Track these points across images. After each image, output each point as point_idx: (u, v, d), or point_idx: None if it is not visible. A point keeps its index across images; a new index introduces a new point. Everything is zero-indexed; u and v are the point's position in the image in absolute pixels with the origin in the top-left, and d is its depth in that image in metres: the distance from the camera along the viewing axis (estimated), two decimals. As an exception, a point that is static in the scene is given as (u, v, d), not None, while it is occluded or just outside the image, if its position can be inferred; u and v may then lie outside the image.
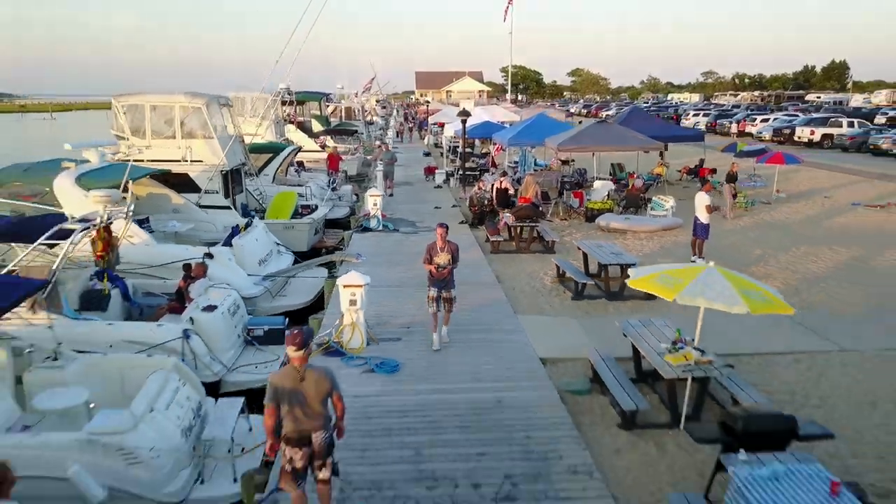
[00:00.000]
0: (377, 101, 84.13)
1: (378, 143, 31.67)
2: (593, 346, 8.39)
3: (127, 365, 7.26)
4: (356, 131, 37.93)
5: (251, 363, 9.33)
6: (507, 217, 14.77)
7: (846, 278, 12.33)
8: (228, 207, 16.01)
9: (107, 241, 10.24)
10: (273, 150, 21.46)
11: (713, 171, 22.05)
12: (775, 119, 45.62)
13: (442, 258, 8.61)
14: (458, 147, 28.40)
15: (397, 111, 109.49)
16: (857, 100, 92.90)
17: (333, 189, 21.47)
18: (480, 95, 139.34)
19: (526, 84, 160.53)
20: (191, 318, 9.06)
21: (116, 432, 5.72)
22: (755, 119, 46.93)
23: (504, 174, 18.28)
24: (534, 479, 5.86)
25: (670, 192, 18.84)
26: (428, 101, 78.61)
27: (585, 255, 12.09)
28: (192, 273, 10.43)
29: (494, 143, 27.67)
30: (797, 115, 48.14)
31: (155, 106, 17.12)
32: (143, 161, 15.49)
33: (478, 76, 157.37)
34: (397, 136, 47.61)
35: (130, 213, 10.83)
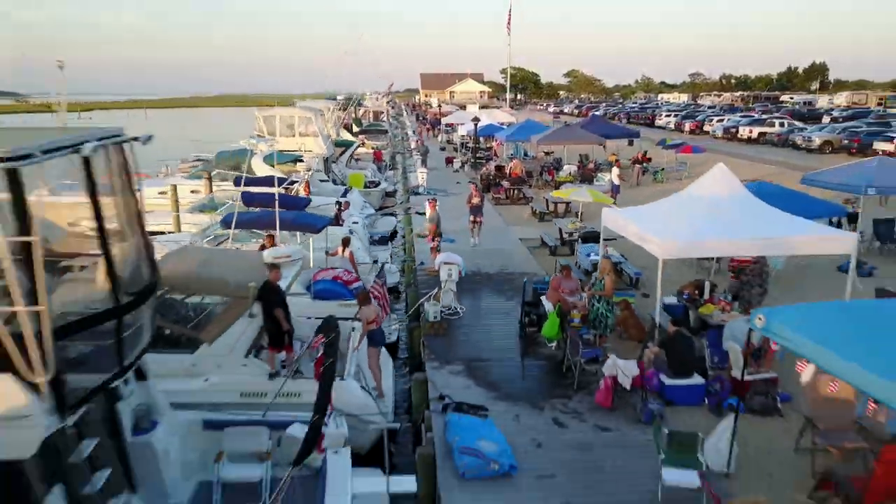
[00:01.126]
0: (387, 102, 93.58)
1: (416, 140, 41.43)
2: (540, 233, 18.08)
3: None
4: (386, 131, 47.79)
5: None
6: (504, 184, 24.53)
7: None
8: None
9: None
10: (345, 145, 31.24)
11: (648, 158, 31.70)
12: (728, 119, 55.26)
13: (475, 200, 18.06)
14: (468, 143, 38.04)
15: (406, 111, 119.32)
16: (822, 101, 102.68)
17: (381, 171, 31.26)
18: (482, 96, 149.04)
19: (524, 84, 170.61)
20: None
21: None
22: (712, 119, 56.69)
23: (516, 159, 28.11)
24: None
25: (622, 174, 28.50)
26: (440, 105, 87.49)
27: (547, 201, 21.79)
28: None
29: (496, 140, 37.27)
30: (752, 116, 57.78)
31: (283, 116, 26.91)
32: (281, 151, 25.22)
33: (479, 77, 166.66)
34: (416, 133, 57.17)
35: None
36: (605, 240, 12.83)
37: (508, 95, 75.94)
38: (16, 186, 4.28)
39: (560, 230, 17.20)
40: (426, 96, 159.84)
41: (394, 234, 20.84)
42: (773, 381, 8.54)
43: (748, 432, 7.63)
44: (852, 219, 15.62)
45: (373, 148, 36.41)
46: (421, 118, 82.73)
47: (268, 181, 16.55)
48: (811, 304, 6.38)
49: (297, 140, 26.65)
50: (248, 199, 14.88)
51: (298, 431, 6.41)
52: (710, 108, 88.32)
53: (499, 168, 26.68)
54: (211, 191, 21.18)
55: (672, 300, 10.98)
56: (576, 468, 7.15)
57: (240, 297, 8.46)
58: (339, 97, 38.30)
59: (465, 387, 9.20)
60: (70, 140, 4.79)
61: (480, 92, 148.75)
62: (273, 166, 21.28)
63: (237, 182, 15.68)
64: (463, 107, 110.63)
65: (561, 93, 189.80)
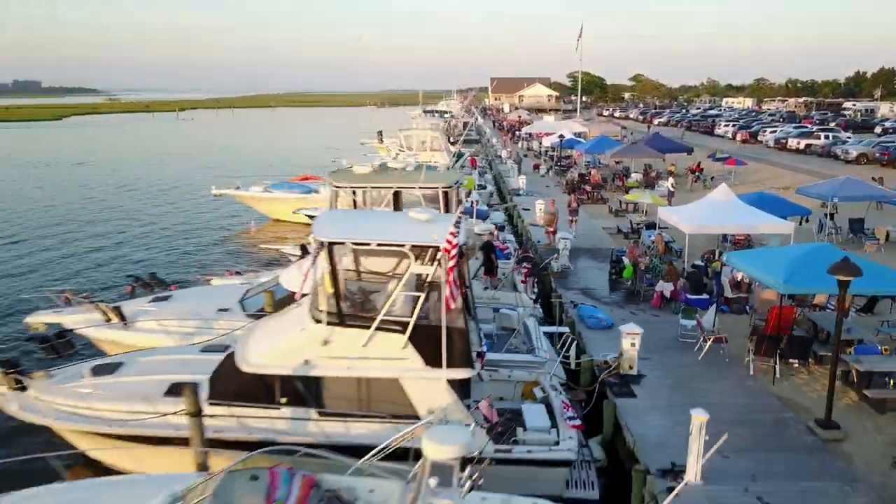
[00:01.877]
0: (464, 108, 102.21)
1: (507, 150, 49.93)
2: (616, 224, 26.23)
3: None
4: (478, 140, 56.43)
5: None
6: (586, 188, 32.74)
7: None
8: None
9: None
10: (458, 156, 39.94)
11: (701, 168, 39.25)
12: (780, 131, 61.58)
13: (574, 204, 26.31)
14: (553, 154, 46.17)
15: (479, 114, 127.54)
16: (884, 108, 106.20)
17: (480, 176, 39.80)
18: (549, 99, 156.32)
19: (590, 88, 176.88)
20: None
21: None
22: (765, 131, 63.14)
23: (593, 168, 36.21)
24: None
25: (679, 181, 36.28)
26: (512, 108, 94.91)
27: (620, 202, 29.87)
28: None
29: (576, 151, 45.32)
30: (804, 127, 63.86)
31: (417, 135, 35.80)
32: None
33: (546, 81, 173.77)
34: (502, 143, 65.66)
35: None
36: (659, 227, 21.01)
37: (580, 106, 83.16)
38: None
39: (630, 222, 25.44)
40: (496, 99, 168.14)
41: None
42: (745, 299, 16.63)
43: (730, 320, 15.74)
44: (832, 217, 23.24)
45: (472, 156, 44.95)
46: (498, 125, 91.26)
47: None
48: (747, 251, 14.56)
49: (428, 154, 35.53)
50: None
51: (506, 312, 14.89)
52: (770, 115, 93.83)
53: (581, 175, 34.92)
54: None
55: (699, 262, 19.08)
56: (643, 325, 15.42)
57: (471, 250, 17.06)
58: (446, 115, 47.13)
59: (581, 302, 17.59)
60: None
61: (548, 96, 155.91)
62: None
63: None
64: (536, 111, 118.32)
65: (626, 94, 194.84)
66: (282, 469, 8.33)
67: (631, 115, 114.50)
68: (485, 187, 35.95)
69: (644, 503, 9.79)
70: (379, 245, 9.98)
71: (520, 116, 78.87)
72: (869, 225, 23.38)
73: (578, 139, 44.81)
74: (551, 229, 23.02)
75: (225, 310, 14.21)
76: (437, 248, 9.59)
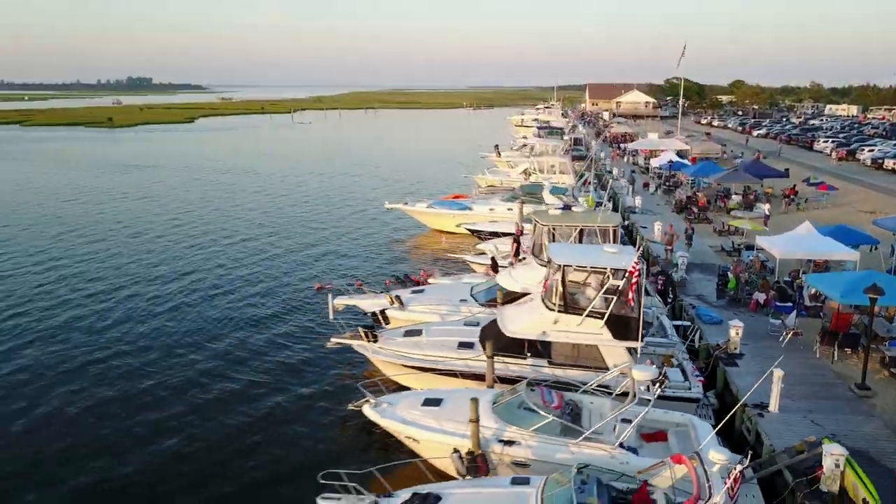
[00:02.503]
0: (562, 115, 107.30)
1: (621, 172, 56.42)
2: (720, 243, 32.64)
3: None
4: (587, 156, 63.02)
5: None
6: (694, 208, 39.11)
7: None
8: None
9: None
10: (580, 175, 46.97)
11: (796, 192, 44.59)
12: (878, 150, 64.96)
13: (689, 231, 32.95)
14: (662, 173, 52.25)
15: (578, 122, 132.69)
16: None
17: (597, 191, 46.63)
18: (646, 106, 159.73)
19: (688, 94, 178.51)
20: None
21: None
22: (863, 149, 66.59)
23: (699, 190, 42.45)
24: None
25: (773, 202, 41.95)
26: (612, 115, 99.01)
27: (723, 223, 36.12)
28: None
29: (682, 173, 51.29)
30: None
31: (548, 161, 43.07)
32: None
33: (643, 87, 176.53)
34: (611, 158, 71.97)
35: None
36: (756, 249, 27.46)
37: (679, 122, 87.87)
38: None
39: (733, 242, 31.88)
40: (593, 104, 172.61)
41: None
42: (819, 307, 23.04)
43: (806, 322, 22.20)
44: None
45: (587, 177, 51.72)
46: (604, 137, 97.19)
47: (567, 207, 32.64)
48: (822, 274, 21.08)
49: (556, 176, 42.74)
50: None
51: (645, 310, 21.99)
52: (873, 128, 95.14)
53: (688, 197, 41.24)
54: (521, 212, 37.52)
55: (786, 278, 25.45)
56: (743, 322, 22.01)
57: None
58: (566, 137, 54.41)
59: (698, 304, 24.38)
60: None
61: (645, 102, 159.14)
62: (558, 197, 37.30)
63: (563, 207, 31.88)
64: (633, 117, 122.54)
65: (723, 98, 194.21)
66: (544, 387, 15.96)
67: (729, 125, 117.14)
68: (603, 205, 42.76)
69: (742, 423, 16.75)
70: (591, 268, 17.40)
71: (626, 134, 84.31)
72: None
73: (684, 161, 50.81)
74: (670, 247, 29.79)
75: (463, 300, 22.04)
76: (625, 271, 16.90)
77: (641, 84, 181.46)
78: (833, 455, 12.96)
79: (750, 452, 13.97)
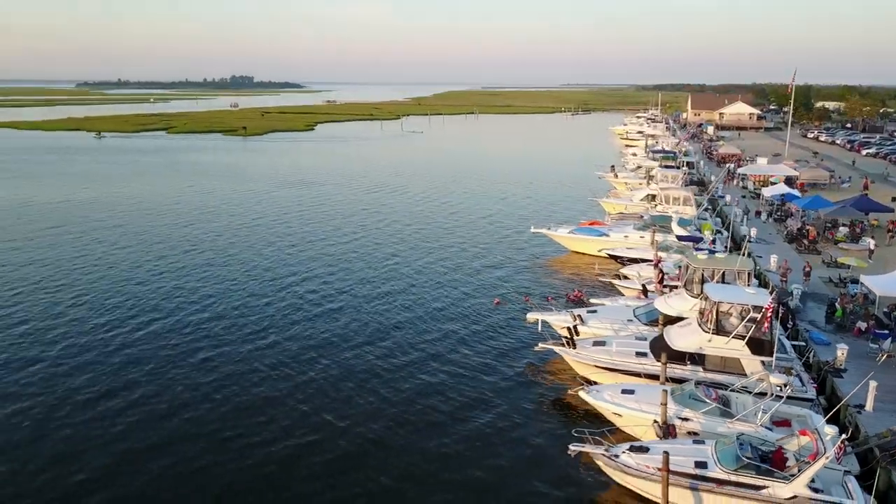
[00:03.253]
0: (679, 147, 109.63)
1: (735, 199, 62.41)
2: (828, 275, 38.93)
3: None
4: (697, 178, 69.10)
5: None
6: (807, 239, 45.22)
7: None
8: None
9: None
10: (699, 203, 53.50)
11: (899, 224, 49.53)
12: None
13: (808, 269, 39.41)
14: (774, 202, 57.88)
15: (677, 132, 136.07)
16: None
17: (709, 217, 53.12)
18: (750, 117, 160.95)
19: (795, 105, 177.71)
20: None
21: None
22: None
23: (809, 225, 48.40)
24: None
25: (878, 234, 47.27)
26: (716, 127, 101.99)
27: (831, 256, 42.17)
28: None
29: (793, 204, 56.68)
30: None
31: (674, 193, 50.07)
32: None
33: (747, 98, 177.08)
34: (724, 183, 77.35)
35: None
36: (861, 282, 33.82)
37: (787, 140, 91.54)
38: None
39: (839, 275, 38.13)
40: (695, 115, 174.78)
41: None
42: (912, 334, 29.41)
43: (899, 345, 28.70)
44: None
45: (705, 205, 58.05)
46: (707, 152, 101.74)
47: (697, 238, 39.86)
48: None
49: (681, 207, 49.63)
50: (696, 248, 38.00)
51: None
52: None
53: (799, 229, 47.27)
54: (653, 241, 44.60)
55: (885, 310, 31.77)
56: (847, 345, 28.66)
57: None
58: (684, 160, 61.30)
59: (809, 329, 31.14)
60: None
61: (749, 114, 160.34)
62: (686, 229, 44.28)
63: (683, 237, 39.28)
64: (736, 129, 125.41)
65: (830, 106, 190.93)
66: (704, 385, 23.69)
67: (837, 141, 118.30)
68: (721, 233, 49.29)
69: (844, 418, 23.78)
70: (739, 303, 24.86)
71: (735, 156, 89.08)
72: None
73: (794, 193, 56.37)
74: (784, 279, 36.44)
75: (630, 319, 29.85)
76: (762, 307, 24.27)
77: (746, 94, 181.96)
78: (909, 438, 20.05)
79: (849, 435, 21.19)
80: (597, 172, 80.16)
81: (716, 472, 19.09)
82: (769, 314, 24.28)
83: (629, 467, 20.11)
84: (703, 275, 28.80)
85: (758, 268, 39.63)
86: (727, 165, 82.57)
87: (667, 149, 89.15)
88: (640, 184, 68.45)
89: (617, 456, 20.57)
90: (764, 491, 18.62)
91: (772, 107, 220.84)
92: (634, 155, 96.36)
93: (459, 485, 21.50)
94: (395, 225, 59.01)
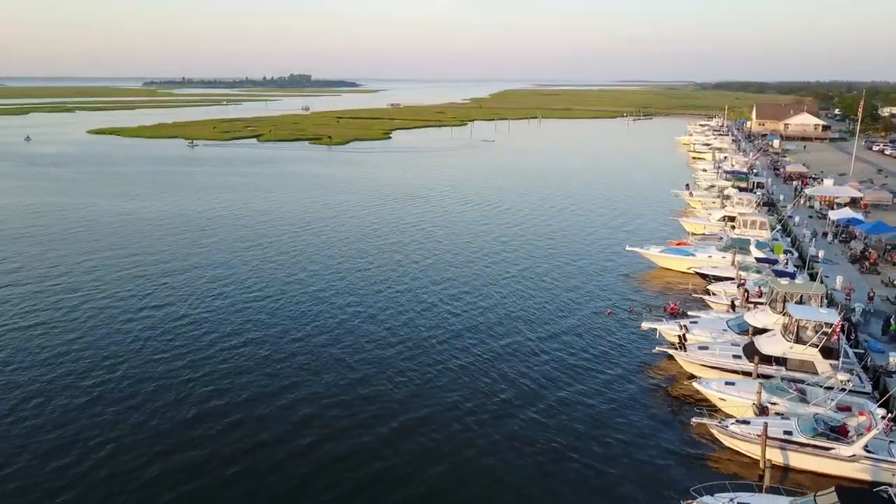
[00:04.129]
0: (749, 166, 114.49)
1: (804, 222, 70.03)
2: (886, 295, 46.81)
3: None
4: (773, 204, 76.61)
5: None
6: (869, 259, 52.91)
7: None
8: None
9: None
10: (772, 226, 61.37)
11: (954, 248, 56.54)
12: None
13: (871, 294, 47.39)
14: (839, 224, 65.27)
15: (746, 146, 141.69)
16: None
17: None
18: (815, 129, 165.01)
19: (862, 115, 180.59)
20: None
21: None
22: None
23: (871, 247, 55.99)
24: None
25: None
26: (780, 138, 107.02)
27: (889, 277, 49.84)
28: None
29: (856, 228, 63.79)
30: None
31: (751, 219, 58.37)
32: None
33: (812, 108, 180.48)
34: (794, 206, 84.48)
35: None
36: (913, 304, 41.76)
37: (853, 165, 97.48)
38: None
39: (896, 294, 46.03)
40: (760, 125, 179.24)
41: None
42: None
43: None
44: None
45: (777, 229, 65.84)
46: (775, 168, 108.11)
47: (773, 260, 48.27)
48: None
49: (757, 231, 57.77)
50: (778, 272, 46.31)
51: None
52: None
53: (862, 252, 54.92)
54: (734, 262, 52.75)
55: (932, 325, 39.69)
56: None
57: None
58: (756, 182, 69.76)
59: (868, 340, 39.34)
60: None
61: (815, 125, 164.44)
62: (763, 251, 52.45)
63: (761, 259, 47.67)
64: (801, 139, 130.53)
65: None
66: (786, 380, 32.62)
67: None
68: (791, 252, 57.21)
69: (893, 406, 32.21)
70: (814, 320, 33.57)
71: (801, 174, 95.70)
72: None
73: (858, 217, 63.70)
74: (849, 298, 44.53)
75: (725, 329, 38.71)
76: (832, 323, 32.92)
77: (810, 98, 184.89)
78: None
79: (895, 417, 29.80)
80: (673, 191, 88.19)
81: (799, 438, 28.03)
82: (837, 329, 32.93)
83: (737, 434, 29.18)
84: (784, 296, 37.44)
85: (828, 290, 47.70)
86: (794, 185, 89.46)
87: (738, 168, 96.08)
88: (714, 202, 76.28)
89: (727, 426, 29.66)
90: (832, 451, 27.51)
91: (836, 112, 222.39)
92: (704, 171, 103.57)
93: (605, 445, 30.83)
94: (507, 242, 68.56)
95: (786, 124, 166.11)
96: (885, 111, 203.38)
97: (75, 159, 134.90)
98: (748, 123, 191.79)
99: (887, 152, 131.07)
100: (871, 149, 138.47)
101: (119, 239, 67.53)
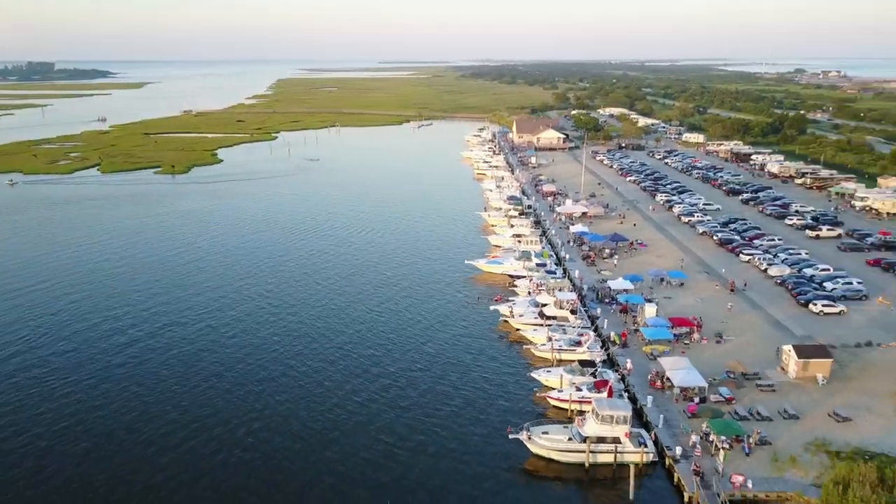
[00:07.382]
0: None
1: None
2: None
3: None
4: (539, 221, 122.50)
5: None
6: None
7: None
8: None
9: None
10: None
11: None
12: None
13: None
14: (577, 234, 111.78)
15: (511, 158, 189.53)
16: None
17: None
18: (559, 141, 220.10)
19: (588, 127, 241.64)
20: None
21: None
22: None
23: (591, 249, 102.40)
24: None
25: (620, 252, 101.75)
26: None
27: (599, 268, 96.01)
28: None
29: (584, 237, 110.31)
30: None
31: (529, 237, 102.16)
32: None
33: (556, 125, 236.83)
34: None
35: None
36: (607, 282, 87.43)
37: (584, 182, 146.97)
38: None
39: (602, 278, 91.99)
40: (520, 137, 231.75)
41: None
42: None
43: None
44: None
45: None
46: (538, 190, 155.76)
47: (544, 263, 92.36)
48: None
49: (534, 246, 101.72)
50: (548, 271, 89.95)
51: None
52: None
53: (587, 253, 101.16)
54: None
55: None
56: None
57: None
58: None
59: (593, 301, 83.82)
60: None
61: (558, 138, 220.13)
62: (539, 259, 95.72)
63: (539, 263, 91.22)
64: (549, 150, 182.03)
65: (613, 122, 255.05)
66: (558, 325, 76.14)
67: (613, 166, 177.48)
68: (551, 255, 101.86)
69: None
70: (569, 299, 76.73)
71: (553, 192, 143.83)
72: None
73: (586, 230, 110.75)
74: (581, 281, 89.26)
75: (528, 305, 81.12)
76: (573, 300, 76.34)
77: (555, 120, 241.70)
78: None
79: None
80: (477, 212, 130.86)
81: (564, 346, 70.46)
82: (576, 301, 76.28)
83: (540, 349, 70.98)
84: (552, 286, 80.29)
85: (571, 279, 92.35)
86: (549, 202, 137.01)
87: (514, 193, 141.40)
88: (504, 222, 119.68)
89: (537, 346, 71.27)
90: (576, 351, 70.37)
91: (573, 128, 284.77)
92: (491, 191, 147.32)
93: (462, 373, 70.75)
94: (375, 263, 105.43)
95: (538, 137, 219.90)
96: (604, 118, 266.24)
97: None
98: (510, 135, 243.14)
99: (605, 162, 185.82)
100: (594, 157, 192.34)
101: None
